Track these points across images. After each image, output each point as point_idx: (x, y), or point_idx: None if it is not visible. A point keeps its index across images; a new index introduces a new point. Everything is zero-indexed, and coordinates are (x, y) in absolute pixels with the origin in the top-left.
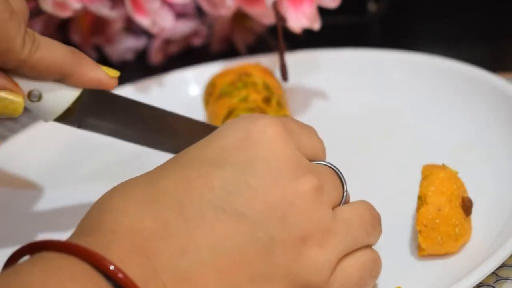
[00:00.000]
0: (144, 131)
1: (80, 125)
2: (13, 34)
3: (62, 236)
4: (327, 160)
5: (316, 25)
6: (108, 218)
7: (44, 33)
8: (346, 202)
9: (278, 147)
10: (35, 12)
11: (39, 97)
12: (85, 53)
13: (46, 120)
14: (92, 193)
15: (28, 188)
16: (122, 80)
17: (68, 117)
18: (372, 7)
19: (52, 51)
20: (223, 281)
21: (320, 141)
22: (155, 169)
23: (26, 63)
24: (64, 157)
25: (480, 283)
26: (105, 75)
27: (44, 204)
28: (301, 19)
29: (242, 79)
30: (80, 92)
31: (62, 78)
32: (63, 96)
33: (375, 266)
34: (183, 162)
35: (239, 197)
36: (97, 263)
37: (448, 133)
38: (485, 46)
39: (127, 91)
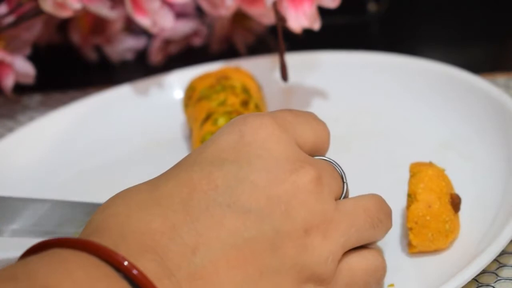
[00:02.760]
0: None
1: None
2: None
3: None
4: (325, 156)
5: (316, 25)
6: (113, 222)
7: (44, 33)
8: (346, 195)
9: (273, 145)
10: (35, 12)
11: None
12: (85, 53)
13: None
14: (79, 198)
15: (12, 192)
16: (122, 80)
17: None
18: (372, 7)
19: None
20: (235, 277)
21: (321, 125)
22: (156, 177)
23: None
24: (47, 162)
25: (480, 282)
26: None
27: None
28: (301, 19)
29: (221, 82)
30: None
31: None
32: None
33: (381, 275)
34: (183, 167)
35: (243, 193)
36: (110, 259)
37: (435, 132)
38: (485, 46)
39: (127, 91)
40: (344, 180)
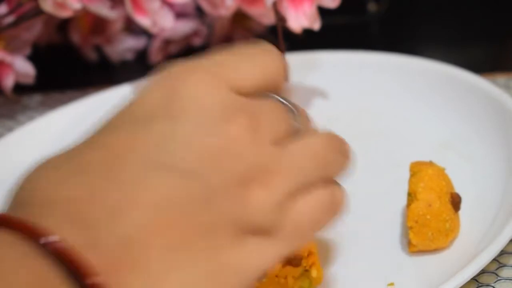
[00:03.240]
0: None
1: None
2: None
3: None
4: (274, 94)
5: (316, 25)
6: (34, 193)
7: (44, 33)
8: (305, 129)
9: (201, 95)
10: (35, 12)
11: None
12: (85, 53)
13: None
14: None
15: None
16: (122, 80)
17: None
18: (372, 7)
19: None
20: (170, 239)
21: (271, 59)
22: (78, 143)
23: None
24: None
25: (480, 282)
26: None
27: None
28: (301, 19)
29: None
30: None
31: None
32: None
33: (332, 207)
34: (106, 129)
35: (169, 152)
36: (32, 235)
37: (435, 132)
38: (485, 46)
39: (127, 91)
40: (295, 113)
